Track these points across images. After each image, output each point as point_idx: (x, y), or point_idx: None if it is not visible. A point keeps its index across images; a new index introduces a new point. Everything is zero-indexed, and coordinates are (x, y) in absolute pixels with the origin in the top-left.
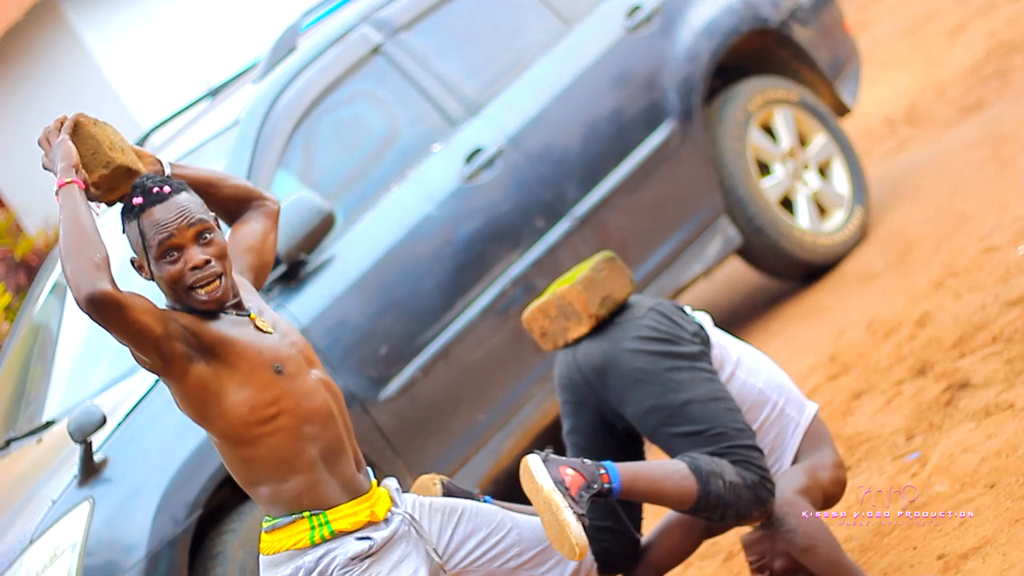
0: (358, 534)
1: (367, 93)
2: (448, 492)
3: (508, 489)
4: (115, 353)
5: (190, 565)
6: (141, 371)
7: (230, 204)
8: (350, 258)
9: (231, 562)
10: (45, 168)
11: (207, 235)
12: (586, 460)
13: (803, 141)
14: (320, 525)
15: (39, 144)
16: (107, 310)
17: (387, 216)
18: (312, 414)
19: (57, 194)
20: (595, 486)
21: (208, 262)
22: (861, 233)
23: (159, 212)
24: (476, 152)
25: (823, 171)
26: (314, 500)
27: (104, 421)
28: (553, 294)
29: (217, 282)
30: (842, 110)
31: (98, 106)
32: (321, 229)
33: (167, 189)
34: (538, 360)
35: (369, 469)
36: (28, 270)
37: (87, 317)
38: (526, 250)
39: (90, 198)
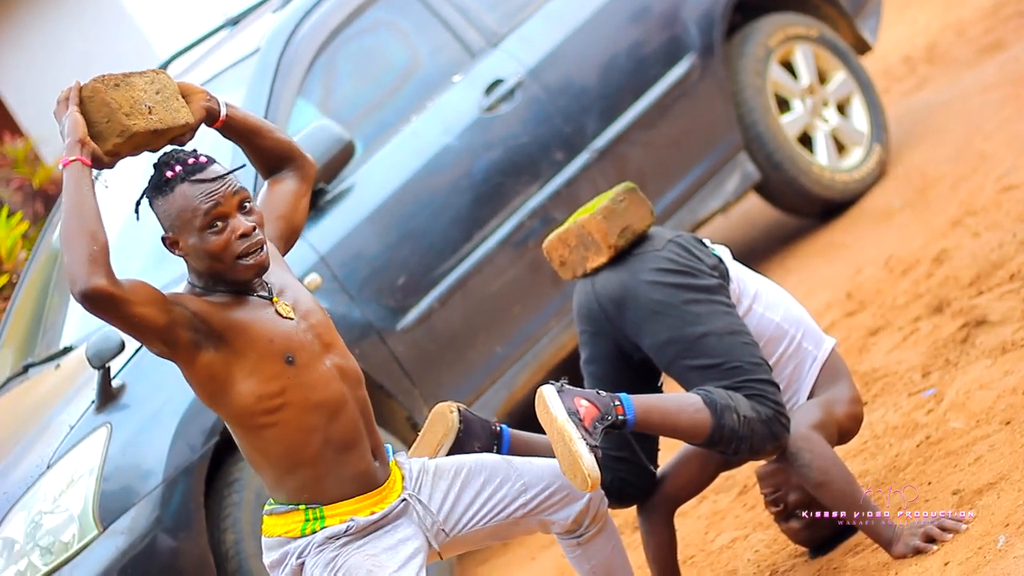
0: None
1: (388, 23)
2: (465, 420)
3: (523, 420)
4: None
5: (206, 492)
6: None
7: (270, 157)
8: (369, 188)
9: (247, 489)
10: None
11: (247, 203)
12: (601, 392)
13: (823, 78)
14: (314, 519)
15: (54, 116)
16: (102, 306)
17: (406, 146)
18: (320, 406)
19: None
20: (609, 418)
21: (254, 229)
22: (879, 171)
23: (202, 181)
24: (496, 83)
25: (842, 108)
26: (315, 495)
27: (122, 347)
28: (573, 223)
29: (263, 251)
30: (862, 47)
31: (117, 36)
32: (341, 159)
33: (203, 159)
34: (555, 293)
35: (388, 447)
36: (45, 199)
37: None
38: (545, 182)
39: (107, 166)
